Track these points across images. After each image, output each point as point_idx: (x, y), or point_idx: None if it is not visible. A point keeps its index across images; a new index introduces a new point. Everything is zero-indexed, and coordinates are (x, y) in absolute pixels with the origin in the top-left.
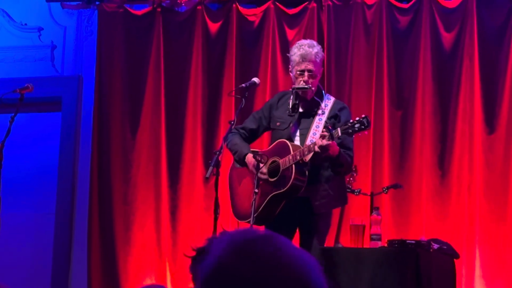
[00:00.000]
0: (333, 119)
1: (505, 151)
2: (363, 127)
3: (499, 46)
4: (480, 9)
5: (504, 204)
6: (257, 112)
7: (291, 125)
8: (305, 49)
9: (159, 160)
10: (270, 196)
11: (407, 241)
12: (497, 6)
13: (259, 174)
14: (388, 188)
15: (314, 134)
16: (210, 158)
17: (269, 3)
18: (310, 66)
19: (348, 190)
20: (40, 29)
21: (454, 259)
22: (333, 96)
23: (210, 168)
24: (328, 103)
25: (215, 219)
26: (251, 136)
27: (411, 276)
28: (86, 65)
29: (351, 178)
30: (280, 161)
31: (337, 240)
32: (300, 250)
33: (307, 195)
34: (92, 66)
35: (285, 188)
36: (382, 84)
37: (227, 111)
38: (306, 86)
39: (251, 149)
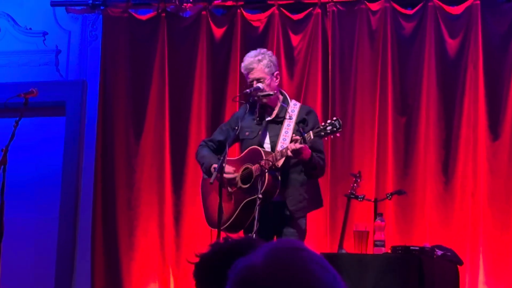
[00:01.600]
0: (301, 123)
1: (509, 157)
2: (335, 129)
3: (503, 53)
4: (485, 16)
5: (508, 211)
6: (224, 124)
7: (260, 133)
8: (246, 60)
9: (163, 165)
10: (243, 202)
11: (411, 248)
12: (501, 13)
13: (225, 174)
14: (392, 194)
15: (284, 139)
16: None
17: (273, 8)
18: (255, 75)
19: (352, 196)
20: (44, 33)
21: (458, 266)
22: (338, 102)
23: (214, 173)
24: (294, 108)
25: (219, 224)
26: (218, 148)
27: (415, 282)
28: (90, 69)
29: (355, 184)
30: (253, 167)
31: (340, 246)
32: (332, 268)
33: (282, 199)
34: (97, 70)
35: (258, 194)
36: (386, 90)
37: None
38: (270, 93)
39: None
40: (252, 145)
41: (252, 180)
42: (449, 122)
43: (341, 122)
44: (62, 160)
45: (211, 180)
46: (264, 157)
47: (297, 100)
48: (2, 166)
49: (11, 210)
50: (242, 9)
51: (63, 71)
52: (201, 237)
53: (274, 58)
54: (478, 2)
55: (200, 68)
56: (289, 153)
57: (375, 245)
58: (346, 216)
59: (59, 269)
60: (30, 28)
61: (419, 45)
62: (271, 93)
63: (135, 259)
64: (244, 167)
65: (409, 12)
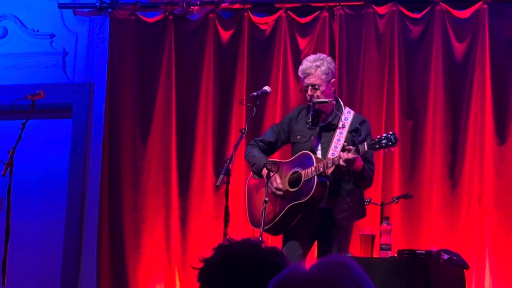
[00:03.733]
0: (354, 133)
1: None
2: (390, 143)
3: (510, 57)
4: (492, 20)
5: None
6: (276, 125)
7: (312, 138)
8: (305, 63)
9: (169, 168)
10: (288, 206)
11: (417, 251)
12: (509, 17)
13: (269, 184)
14: (398, 198)
15: (336, 147)
16: (221, 166)
17: (281, 11)
18: (311, 80)
19: None
20: (52, 35)
21: (464, 270)
22: (344, 105)
23: (221, 176)
24: (348, 116)
25: (225, 227)
26: (269, 149)
27: (421, 286)
28: (97, 72)
29: None
30: (302, 172)
31: (346, 249)
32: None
33: (329, 206)
34: (104, 73)
35: (305, 199)
36: (393, 94)
37: (238, 120)
38: (326, 100)
39: (270, 160)
40: (302, 149)
41: (300, 184)
42: (456, 126)
43: (397, 137)
44: (68, 162)
45: (218, 182)
46: (315, 163)
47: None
48: (8, 168)
49: (17, 211)
50: (249, 12)
51: (70, 73)
52: (207, 240)
53: (333, 66)
54: (486, 6)
55: (207, 71)
56: (341, 162)
57: (381, 249)
58: None
59: (65, 271)
60: (38, 30)
61: (426, 48)
62: (327, 100)
63: (141, 262)
64: (293, 170)
65: (417, 16)
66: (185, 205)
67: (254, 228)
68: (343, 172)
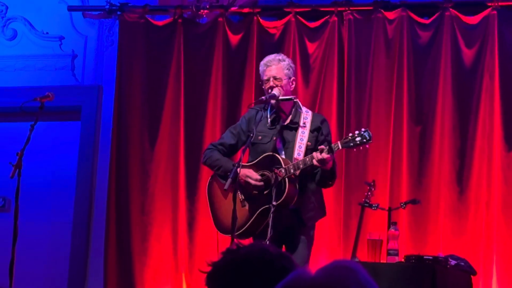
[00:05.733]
0: (316, 132)
1: None
2: (364, 140)
3: None
4: (501, 26)
5: None
6: (234, 127)
7: (274, 138)
8: (266, 58)
9: (177, 171)
10: (261, 209)
11: (424, 257)
12: None
13: (246, 180)
14: (406, 203)
15: (300, 147)
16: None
17: (290, 16)
18: (273, 72)
19: (366, 204)
20: (61, 38)
21: (471, 276)
22: (353, 110)
23: (229, 180)
24: (307, 115)
25: (232, 231)
26: (229, 152)
27: None
28: (106, 74)
29: (369, 193)
30: (271, 174)
31: (354, 254)
32: None
33: (296, 206)
34: (113, 76)
35: (279, 201)
36: (402, 99)
37: None
38: (290, 97)
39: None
40: (265, 150)
41: (271, 187)
42: (464, 132)
43: (371, 133)
44: (76, 164)
45: (226, 186)
46: (283, 165)
47: (313, 107)
48: (17, 170)
49: (25, 213)
50: (258, 16)
51: (79, 76)
52: (214, 244)
53: (293, 66)
54: (495, 12)
55: (216, 74)
56: (314, 162)
57: (389, 254)
58: (359, 224)
59: (72, 273)
60: (47, 33)
61: (435, 54)
62: (291, 97)
63: (148, 265)
64: (260, 173)
65: (426, 21)
66: (193, 209)
67: (223, 235)
68: (308, 171)
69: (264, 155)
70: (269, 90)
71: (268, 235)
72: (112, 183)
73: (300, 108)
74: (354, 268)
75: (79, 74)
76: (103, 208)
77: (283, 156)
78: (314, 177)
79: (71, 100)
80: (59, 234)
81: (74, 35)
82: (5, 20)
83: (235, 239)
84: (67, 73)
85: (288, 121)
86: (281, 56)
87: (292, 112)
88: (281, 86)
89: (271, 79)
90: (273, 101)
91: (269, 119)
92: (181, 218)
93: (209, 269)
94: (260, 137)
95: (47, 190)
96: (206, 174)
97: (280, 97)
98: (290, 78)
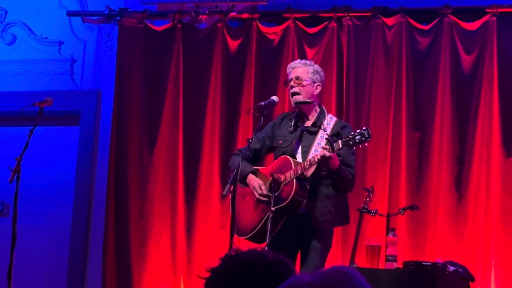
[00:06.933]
0: (335, 137)
1: None
2: (363, 139)
3: None
4: (501, 33)
5: None
6: (260, 132)
7: (293, 142)
8: (294, 61)
9: (176, 176)
10: (270, 211)
11: (423, 263)
12: None
13: (253, 191)
14: (404, 209)
15: (316, 150)
16: (227, 175)
17: (289, 21)
18: (296, 73)
19: (364, 210)
20: (60, 43)
21: (470, 282)
22: (352, 116)
23: (227, 185)
24: (330, 122)
25: (231, 236)
26: (254, 156)
27: None
28: (105, 79)
29: (367, 199)
30: (281, 176)
31: (352, 260)
32: None
33: (307, 211)
34: (111, 81)
35: (286, 202)
36: (401, 105)
37: (245, 129)
38: (308, 101)
39: (254, 167)
40: (285, 153)
41: (280, 189)
42: (463, 138)
43: (370, 132)
44: (75, 169)
45: (224, 191)
46: (293, 167)
47: None
48: (16, 175)
49: (24, 218)
50: (257, 21)
51: (78, 81)
52: (213, 249)
53: (322, 74)
54: (494, 18)
55: (215, 79)
56: (316, 160)
57: (387, 260)
58: (358, 230)
59: (71, 278)
60: (46, 37)
61: (434, 60)
62: (309, 101)
63: (146, 270)
64: (273, 175)
65: (425, 27)
66: (191, 214)
67: (239, 237)
68: (322, 176)
69: (278, 158)
70: (290, 90)
71: (267, 240)
72: (111, 187)
73: (324, 114)
74: (351, 273)
75: (78, 79)
76: (101, 213)
77: (300, 160)
78: (331, 183)
79: (70, 105)
80: (57, 238)
81: (73, 40)
82: (4, 25)
83: (233, 245)
84: (66, 78)
85: (308, 125)
86: (309, 62)
87: (315, 116)
88: (302, 87)
89: (293, 79)
90: (294, 104)
91: (291, 123)
92: (180, 223)
93: (207, 274)
94: (281, 141)
95: (46, 194)
96: (204, 179)
97: (298, 100)
98: (314, 82)
